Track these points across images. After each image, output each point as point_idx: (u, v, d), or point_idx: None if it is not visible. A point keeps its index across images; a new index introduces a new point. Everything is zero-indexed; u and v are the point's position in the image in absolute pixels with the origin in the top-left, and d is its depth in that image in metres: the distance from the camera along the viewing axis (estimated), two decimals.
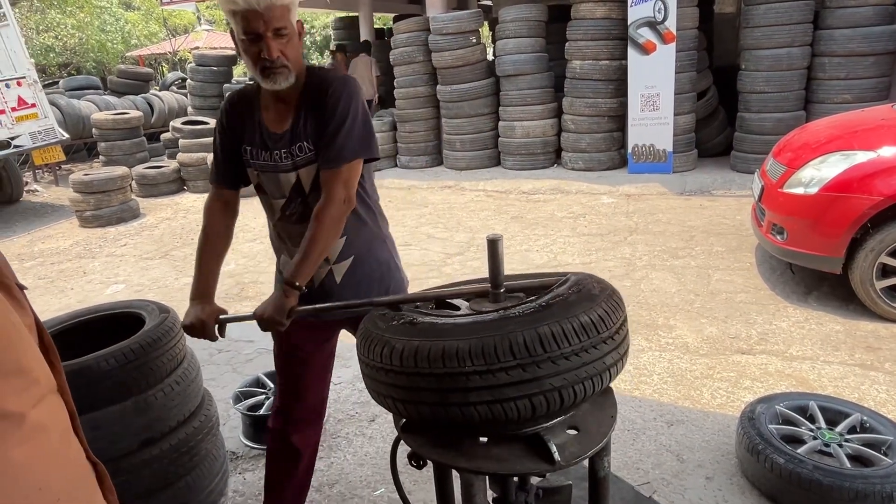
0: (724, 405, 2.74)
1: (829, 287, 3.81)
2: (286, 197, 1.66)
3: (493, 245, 1.31)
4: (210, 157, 8.03)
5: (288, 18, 1.47)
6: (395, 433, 1.38)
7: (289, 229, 1.70)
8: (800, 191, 3.57)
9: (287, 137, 1.59)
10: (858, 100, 6.15)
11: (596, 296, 1.25)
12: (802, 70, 6.44)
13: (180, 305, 4.50)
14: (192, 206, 7.74)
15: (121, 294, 4.80)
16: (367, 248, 1.76)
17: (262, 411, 2.69)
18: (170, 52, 22.14)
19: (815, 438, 2.18)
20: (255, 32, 1.44)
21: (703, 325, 3.51)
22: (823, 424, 2.24)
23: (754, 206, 4.18)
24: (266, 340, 3.73)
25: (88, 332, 2.27)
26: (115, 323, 2.29)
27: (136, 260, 5.71)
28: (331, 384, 3.11)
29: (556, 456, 1.19)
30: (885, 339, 3.20)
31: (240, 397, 2.79)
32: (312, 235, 1.55)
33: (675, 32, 6.48)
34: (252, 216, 7.04)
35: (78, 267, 5.64)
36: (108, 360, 1.92)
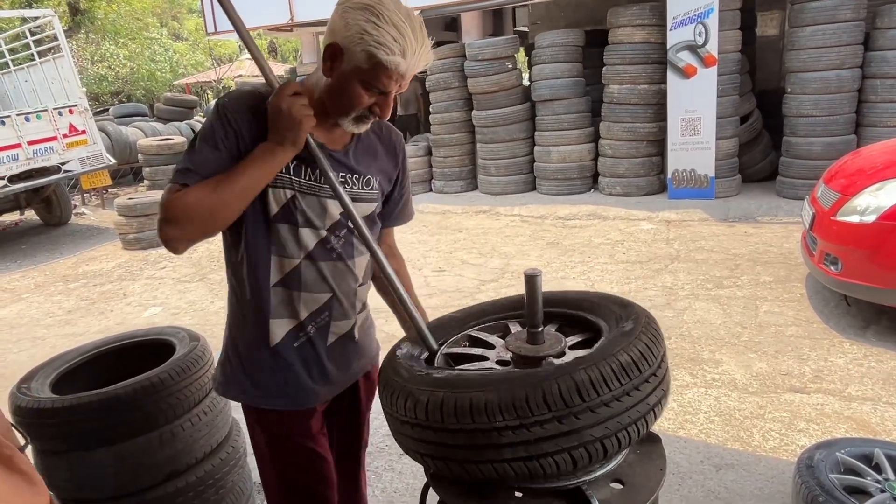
0: (777, 448, 2.55)
1: (890, 321, 3.57)
2: (327, 228, 1.39)
3: (532, 281, 1.23)
4: None
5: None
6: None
7: (322, 268, 1.39)
8: (855, 219, 3.38)
9: (346, 162, 1.41)
10: None
11: (631, 330, 1.15)
12: (853, 93, 6.20)
13: (215, 329, 4.52)
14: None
15: (158, 317, 4.86)
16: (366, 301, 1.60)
17: None
18: (214, 81, 22.94)
19: (882, 491, 1.99)
20: (386, 91, 1.29)
21: (752, 360, 3.32)
22: (892, 475, 2.05)
23: (804, 235, 3.98)
24: None
25: (120, 357, 2.27)
26: (147, 349, 2.28)
27: (175, 283, 5.80)
28: None
29: None
30: None
31: None
32: (408, 285, 1.57)
33: (716, 56, 6.34)
34: None
35: (119, 289, 5.76)
36: (137, 389, 1.89)
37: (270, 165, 1.27)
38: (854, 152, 4.36)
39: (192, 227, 1.25)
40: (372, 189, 1.45)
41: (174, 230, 1.25)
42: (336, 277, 1.42)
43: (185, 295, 5.37)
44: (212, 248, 7.01)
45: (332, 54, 1.27)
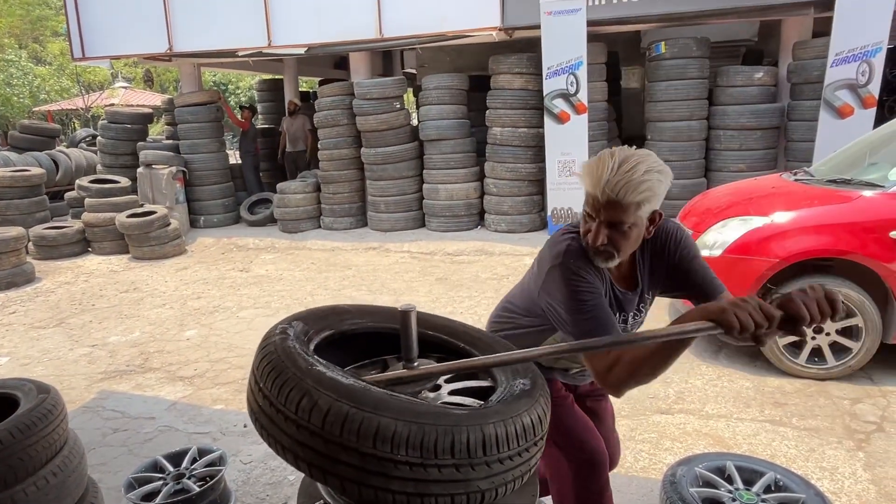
0: (646, 468, 2.73)
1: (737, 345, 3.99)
2: None
3: (406, 317, 1.25)
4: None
5: (632, 214, 1.41)
6: None
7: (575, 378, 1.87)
8: (706, 253, 3.76)
9: (636, 296, 1.61)
10: (751, 169, 6.72)
11: (531, 391, 1.20)
12: (701, 141, 6.99)
13: (73, 379, 4.08)
14: (95, 268, 7.22)
15: (3, 369, 4.31)
16: None
17: (158, 500, 2.41)
18: (82, 109, 21.25)
19: (734, 500, 2.19)
20: (590, 213, 1.45)
21: None
22: (741, 485, 2.26)
23: None
24: (169, 417, 3.43)
25: None
26: None
27: (27, 329, 5.19)
28: (239, 463, 2.89)
29: None
30: (790, 395, 3.35)
31: (133, 484, 2.50)
32: None
33: (586, 104, 6.89)
34: (162, 280, 6.68)
35: None
36: None
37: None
38: (703, 193, 4.88)
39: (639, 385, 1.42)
40: (648, 307, 1.70)
41: (630, 388, 1.43)
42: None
43: (38, 343, 4.82)
44: (73, 290, 6.38)
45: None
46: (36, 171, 8.65)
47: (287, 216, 8.44)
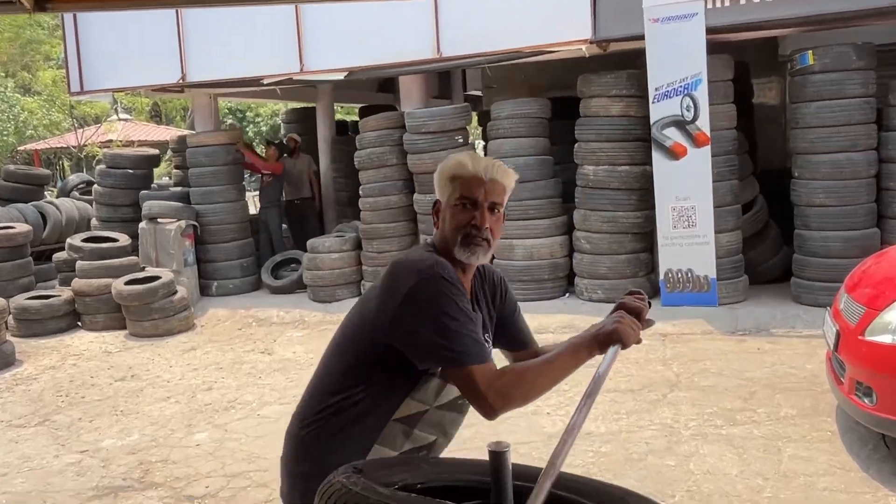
0: None
1: None
2: None
3: (497, 459, 1.25)
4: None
5: (504, 198, 1.80)
6: None
7: (444, 417, 1.83)
8: (888, 339, 3.59)
9: (480, 319, 1.85)
10: None
11: None
12: (869, 179, 6.77)
13: (58, 497, 4.24)
14: (86, 349, 7.58)
15: None
16: None
17: None
18: (75, 147, 22.81)
19: None
20: (472, 198, 1.74)
21: None
22: None
23: (829, 356, 4.19)
24: None
25: None
26: None
27: (4, 428, 5.47)
28: None
29: None
30: None
31: None
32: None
33: (708, 133, 6.85)
34: (166, 364, 6.93)
35: None
36: None
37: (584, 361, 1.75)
38: (878, 254, 4.70)
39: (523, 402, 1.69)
40: (490, 337, 1.94)
41: (511, 406, 1.66)
42: (451, 425, 1.86)
43: (17, 447, 5.05)
44: (59, 377, 6.71)
45: (435, 207, 1.84)
46: (21, 228, 9.29)
47: (319, 281, 8.66)
